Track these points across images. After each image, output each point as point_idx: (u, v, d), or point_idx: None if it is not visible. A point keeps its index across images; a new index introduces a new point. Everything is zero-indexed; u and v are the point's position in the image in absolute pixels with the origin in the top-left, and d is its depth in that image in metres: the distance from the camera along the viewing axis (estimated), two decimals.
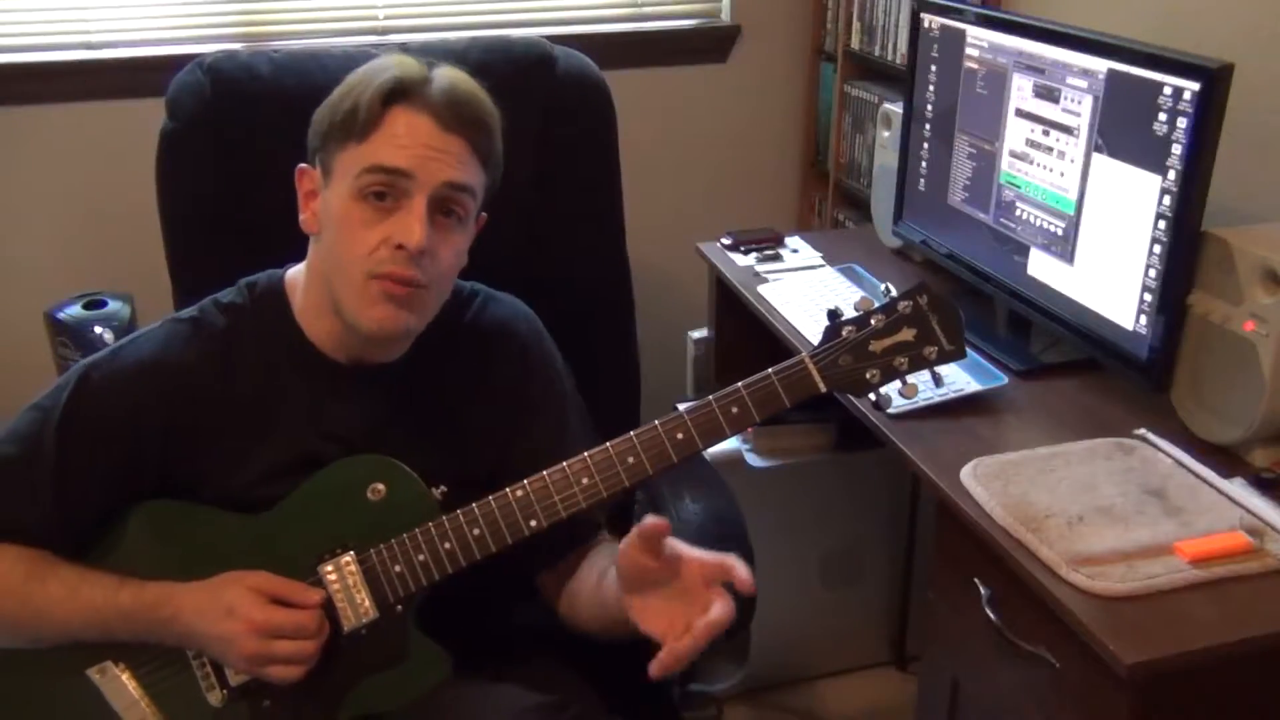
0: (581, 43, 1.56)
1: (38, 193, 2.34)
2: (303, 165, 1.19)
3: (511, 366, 1.30)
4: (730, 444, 2.03)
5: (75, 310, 2.18)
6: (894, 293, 1.16)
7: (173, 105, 1.43)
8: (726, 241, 2.13)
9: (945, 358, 1.16)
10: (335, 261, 1.15)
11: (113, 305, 2.20)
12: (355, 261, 1.12)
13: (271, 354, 1.20)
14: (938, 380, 1.21)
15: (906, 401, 1.21)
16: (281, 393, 1.20)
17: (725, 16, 2.64)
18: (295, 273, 1.23)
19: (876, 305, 1.15)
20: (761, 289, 1.93)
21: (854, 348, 1.14)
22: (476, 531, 1.14)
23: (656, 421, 1.13)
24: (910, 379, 1.17)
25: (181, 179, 1.44)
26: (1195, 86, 1.31)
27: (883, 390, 1.16)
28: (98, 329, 2.14)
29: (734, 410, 1.13)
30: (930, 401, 1.49)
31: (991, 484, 1.30)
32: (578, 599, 1.27)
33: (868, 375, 1.14)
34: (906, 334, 1.15)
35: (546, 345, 1.34)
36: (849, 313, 1.16)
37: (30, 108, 2.28)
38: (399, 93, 1.12)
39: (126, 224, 2.30)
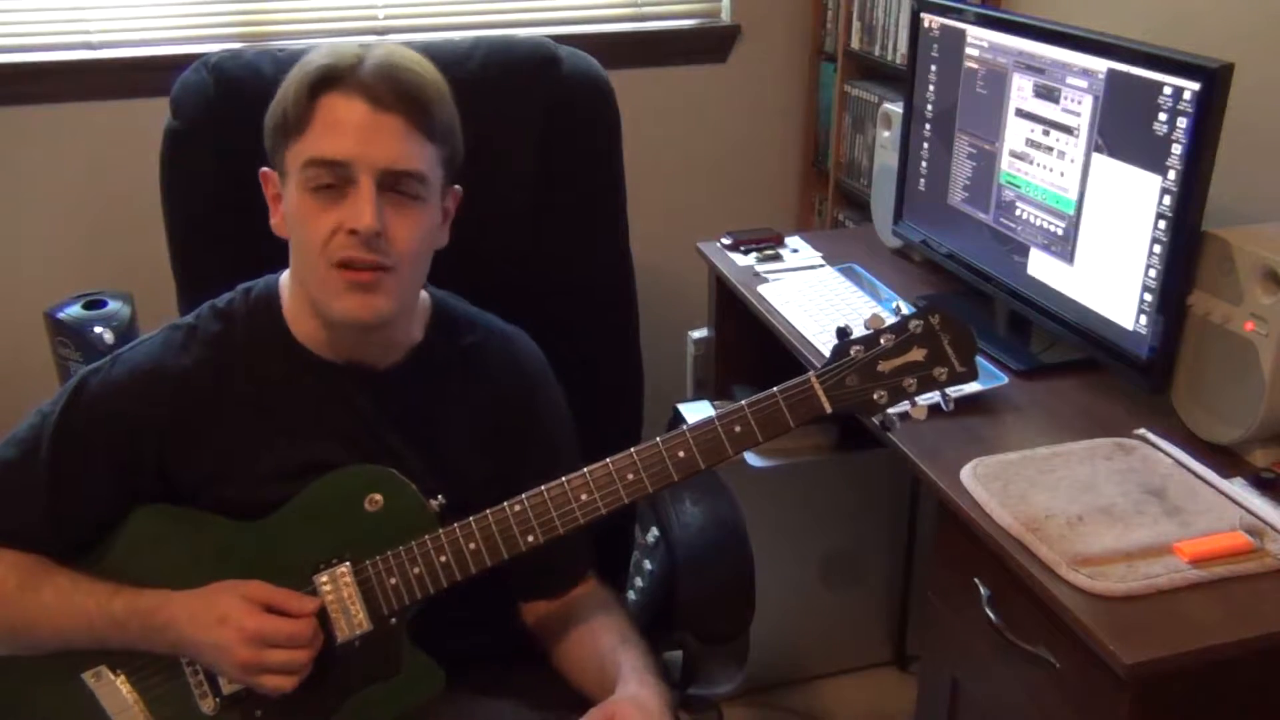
0: (581, 42, 1.55)
1: (38, 193, 2.34)
2: (264, 170, 1.19)
3: (520, 402, 1.28)
4: None
5: (75, 310, 2.18)
6: (905, 311, 1.13)
7: (177, 104, 1.42)
8: (726, 241, 2.13)
9: (956, 379, 1.12)
10: (302, 258, 1.15)
11: (112, 305, 2.20)
12: (315, 252, 1.11)
13: (265, 358, 1.20)
14: (947, 402, 1.15)
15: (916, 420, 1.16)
16: (277, 396, 1.19)
17: (725, 16, 2.64)
18: (287, 276, 1.23)
19: (887, 324, 1.12)
20: (761, 289, 1.93)
21: (862, 368, 1.11)
22: (473, 546, 1.13)
23: (659, 439, 1.12)
24: (919, 400, 1.12)
25: (186, 177, 1.43)
26: (1195, 86, 1.31)
27: (890, 412, 1.13)
28: (97, 329, 2.14)
29: (737, 429, 1.11)
30: (930, 401, 1.48)
31: (991, 484, 1.30)
32: (573, 656, 1.26)
33: (875, 396, 1.11)
34: (916, 354, 1.11)
35: (556, 392, 1.33)
36: (859, 330, 1.13)
37: (30, 108, 2.28)
38: (326, 81, 1.10)
39: (126, 224, 2.30)
